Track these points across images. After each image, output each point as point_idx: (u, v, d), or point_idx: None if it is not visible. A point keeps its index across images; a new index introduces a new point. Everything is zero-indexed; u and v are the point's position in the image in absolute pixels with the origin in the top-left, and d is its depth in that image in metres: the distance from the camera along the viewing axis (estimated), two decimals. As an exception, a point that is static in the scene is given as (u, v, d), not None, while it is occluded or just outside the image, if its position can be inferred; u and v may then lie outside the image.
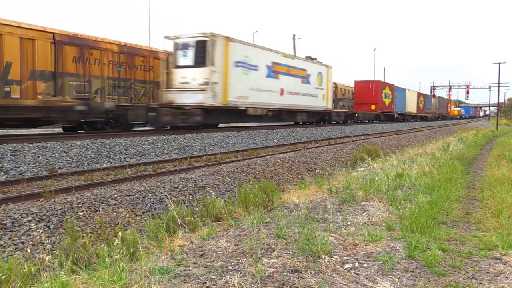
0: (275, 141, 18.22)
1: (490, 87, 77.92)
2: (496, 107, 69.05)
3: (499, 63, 41.05)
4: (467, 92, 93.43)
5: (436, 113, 66.69)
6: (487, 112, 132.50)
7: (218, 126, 20.77)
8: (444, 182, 7.39)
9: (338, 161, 12.82)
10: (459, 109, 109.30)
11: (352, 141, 18.99)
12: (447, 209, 5.71)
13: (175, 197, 7.15)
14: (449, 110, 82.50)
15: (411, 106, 50.15)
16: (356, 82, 39.27)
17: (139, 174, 9.46)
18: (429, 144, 17.72)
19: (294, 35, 44.86)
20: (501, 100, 78.53)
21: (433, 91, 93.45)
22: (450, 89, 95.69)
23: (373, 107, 38.02)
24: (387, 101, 40.49)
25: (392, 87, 42.79)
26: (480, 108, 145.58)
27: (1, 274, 3.24)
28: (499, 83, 41.97)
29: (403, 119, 48.72)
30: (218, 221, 5.44)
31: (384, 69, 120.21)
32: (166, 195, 7.05)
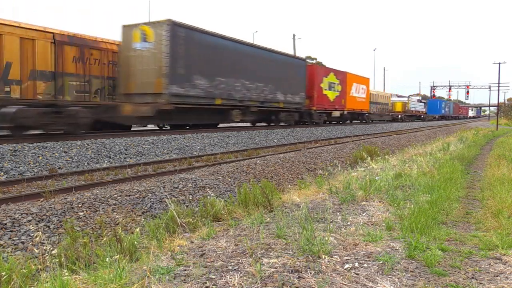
0: (275, 141, 18.21)
1: (490, 87, 77.97)
2: (496, 107, 68.82)
3: (499, 63, 41.08)
4: (467, 92, 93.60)
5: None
6: (487, 113, 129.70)
7: (218, 126, 20.83)
8: (444, 182, 7.38)
9: (338, 161, 12.81)
10: (403, 99, 55.76)
11: (352, 141, 19.00)
12: (447, 209, 5.70)
13: (175, 197, 7.15)
14: (334, 100, 29.05)
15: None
16: None
17: (139, 174, 9.46)
18: (429, 144, 17.72)
19: (294, 35, 45.03)
20: (501, 100, 78.24)
21: (433, 91, 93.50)
22: (450, 89, 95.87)
23: None
24: None
25: None
26: (480, 108, 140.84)
27: (4, 273, 3.24)
28: (499, 83, 41.98)
29: None
30: (218, 221, 5.43)
31: (384, 69, 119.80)
32: (166, 195, 7.05)
